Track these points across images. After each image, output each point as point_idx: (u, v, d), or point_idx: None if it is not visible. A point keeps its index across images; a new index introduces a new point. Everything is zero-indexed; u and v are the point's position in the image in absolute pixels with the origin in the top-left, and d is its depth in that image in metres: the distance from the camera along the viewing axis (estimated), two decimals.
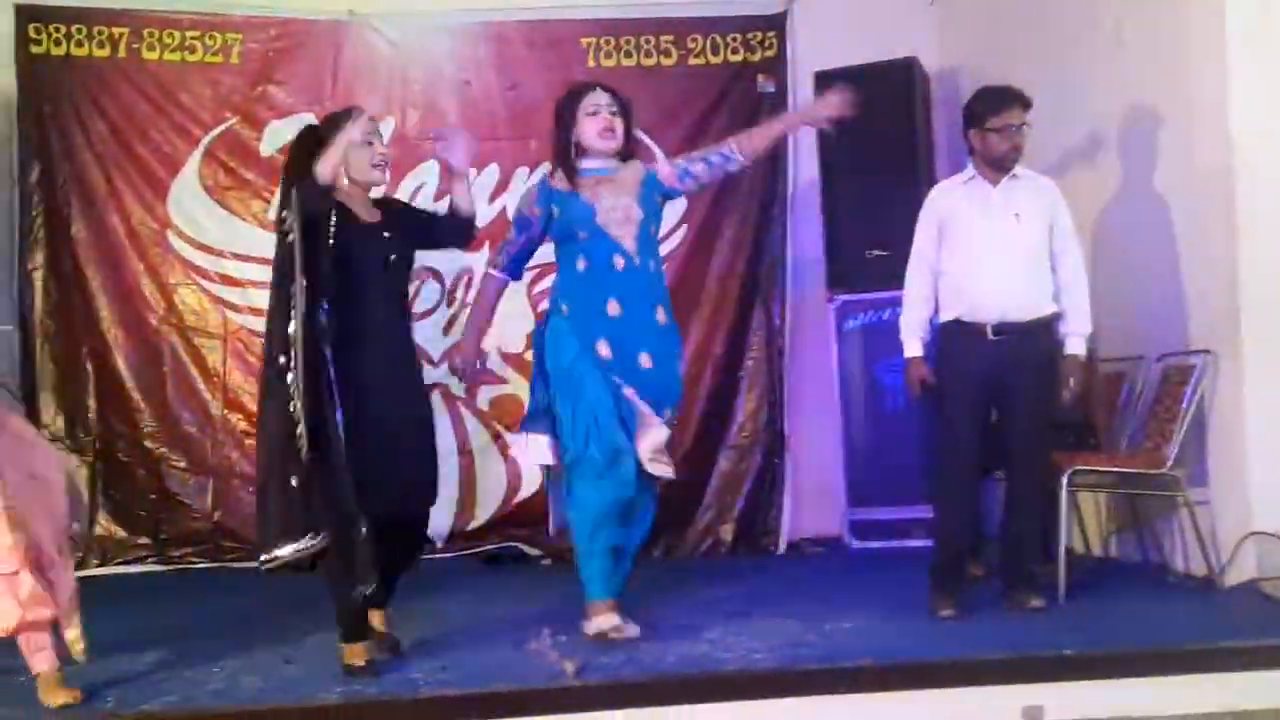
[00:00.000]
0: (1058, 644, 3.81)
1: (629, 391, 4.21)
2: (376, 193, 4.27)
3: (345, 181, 4.04)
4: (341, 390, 3.79)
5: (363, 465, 3.76)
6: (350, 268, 3.91)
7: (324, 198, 3.86)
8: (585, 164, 4.37)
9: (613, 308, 4.24)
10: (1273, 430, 4.65)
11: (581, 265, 4.29)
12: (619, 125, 4.35)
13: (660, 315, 4.34)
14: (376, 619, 4.11)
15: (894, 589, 5.02)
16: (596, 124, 4.32)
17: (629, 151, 4.44)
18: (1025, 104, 4.55)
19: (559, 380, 4.25)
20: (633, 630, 4.16)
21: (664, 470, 4.32)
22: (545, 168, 6.53)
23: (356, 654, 3.85)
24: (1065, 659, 3.69)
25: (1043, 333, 4.51)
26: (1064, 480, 4.70)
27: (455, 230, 4.33)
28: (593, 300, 4.26)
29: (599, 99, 4.34)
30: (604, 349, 4.22)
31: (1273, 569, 4.57)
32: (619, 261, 4.25)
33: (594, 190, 4.32)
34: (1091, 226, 5.53)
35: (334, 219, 3.89)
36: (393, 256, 4.05)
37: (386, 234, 4.07)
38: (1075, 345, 4.57)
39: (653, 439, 4.25)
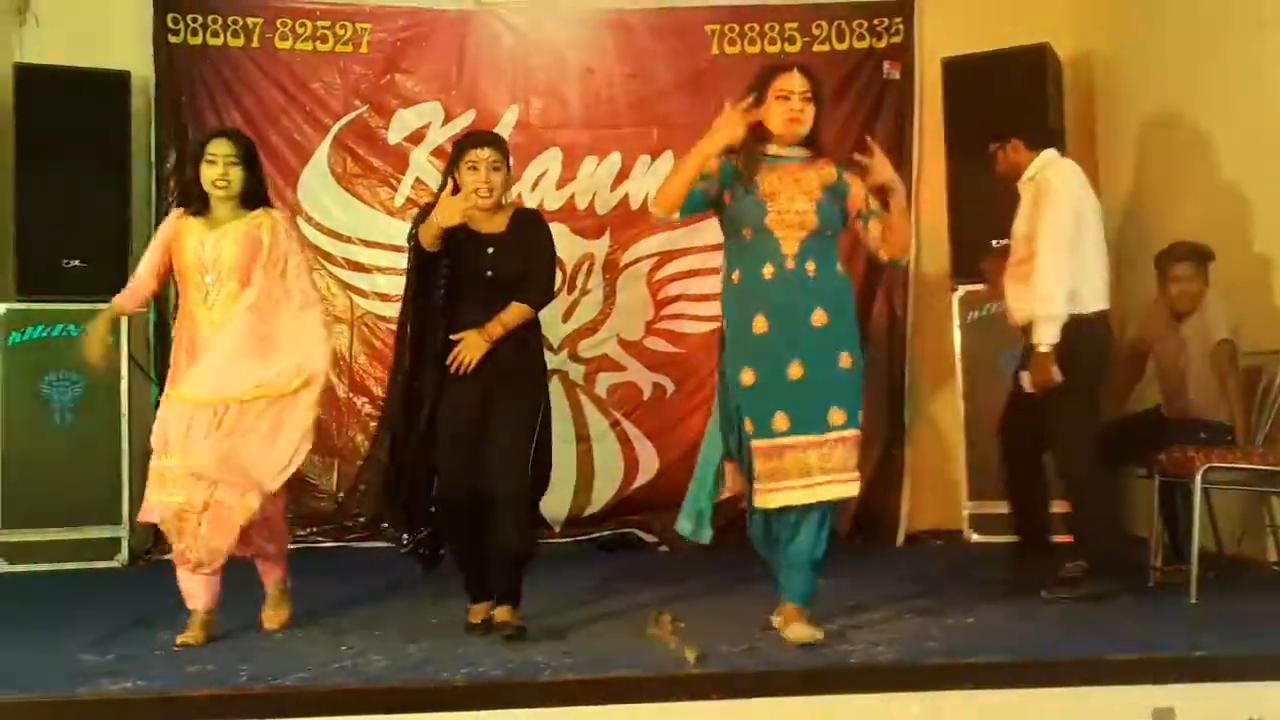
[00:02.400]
0: (1189, 644, 3.72)
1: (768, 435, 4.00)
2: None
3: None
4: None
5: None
6: (459, 277, 4.18)
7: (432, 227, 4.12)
8: (770, 149, 4.08)
9: (759, 325, 3.99)
10: None
11: (736, 276, 4.07)
12: (809, 113, 4.04)
13: (818, 317, 4.00)
14: (500, 612, 4.24)
15: (1015, 584, 4.94)
16: (784, 110, 4.01)
17: (816, 144, 4.12)
18: None
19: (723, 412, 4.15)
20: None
21: (836, 491, 4.02)
22: (667, 156, 6.64)
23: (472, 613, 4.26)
24: (1197, 660, 3.60)
25: None
26: (1198, 479, 4.57)
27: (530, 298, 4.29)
28: (744, 316, 4.03)
29: (792, 83, 4.02)
30: (747, 376, 4.00)
31: None
32: (768, 270, 3.98)
33: (771, 185, 4.02)
34: (1233, 216, 5.38)
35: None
36: (490, 273, 4.18)
37: (492, 249, 4.19)
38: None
39: (806, 462, 3.98)
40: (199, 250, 4.26)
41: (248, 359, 4.17)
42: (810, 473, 3.97)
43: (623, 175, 6.75)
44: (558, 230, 6.58)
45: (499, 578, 4.29)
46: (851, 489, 4.04)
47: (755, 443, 3.97)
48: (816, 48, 6.79)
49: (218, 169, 4.28)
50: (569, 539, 6.50)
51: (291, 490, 6.37)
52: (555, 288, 4.46)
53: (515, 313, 4.20)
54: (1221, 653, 3.66)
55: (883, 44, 6.78)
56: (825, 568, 4.14)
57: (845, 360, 4.03)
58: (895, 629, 4.14)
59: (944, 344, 6.56)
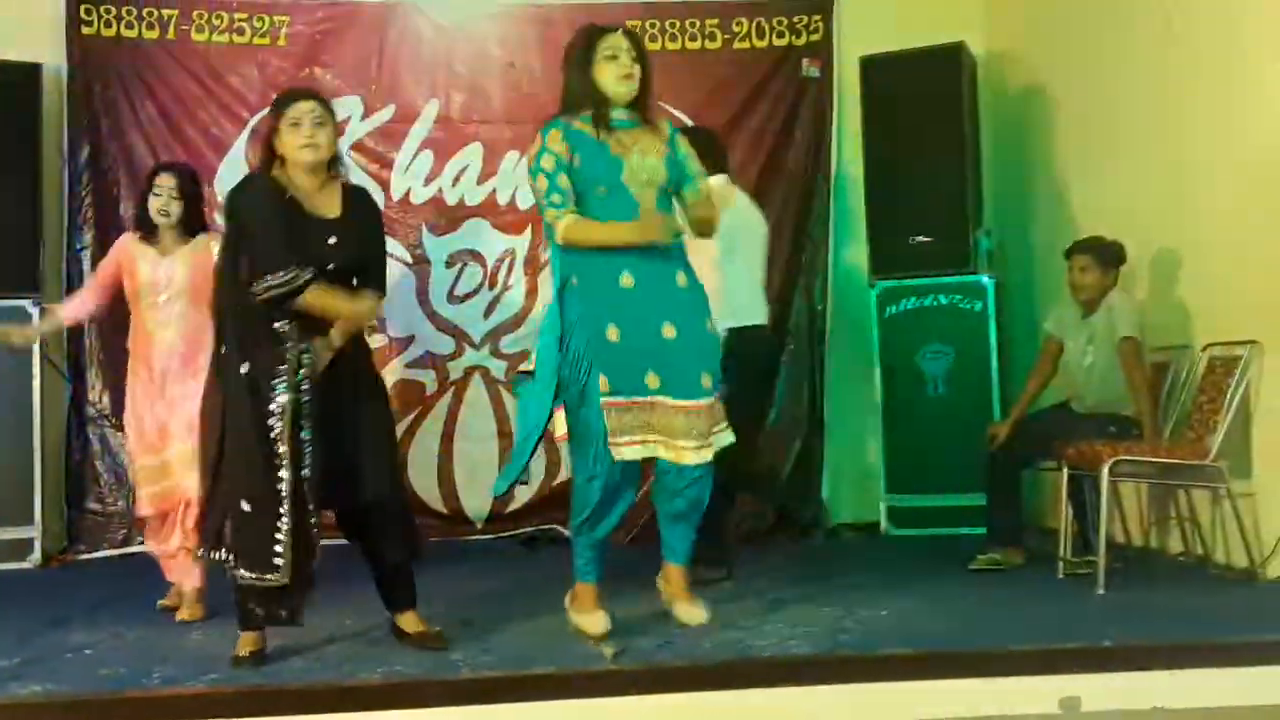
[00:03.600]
0: (1096, 634, 3.79)
1: (651, 384, 3.97)
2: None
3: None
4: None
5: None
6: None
7: (270, 195, 3.83)
8: (613, 115, 4.02)
9: (625, 279, 3.94)
10: None
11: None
12: (638, 73, 4.00)
13: (681, 279, 4.04)
14: (407, 622, 4.05)
15: (931, 576, 5.04)
16: (616, 69, 3.97)
17: (649, 108, 4.11)
18: None
19: (571, 384, 3.96)
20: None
21: (706, 455, 4.01)
22: None
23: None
24: (1103, 650, 3.67)
25: None
26: (1104, 472, 4.67)
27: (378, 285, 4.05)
28: (605, 272, 3.94)
29: (619, 42, 3.99)
30: (613, 333, 3.93)
31: None
32: None
33: (621, 144, 3.99)
34: (1141, 214, 5.49)
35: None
36: (332, 265, 3.85)
37: (333, 239, 3.87)
38: None
39: (687, 426, 3.97)
40: (152, 272, 4.69)
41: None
42: (675, 435, 3.98)
43: None
44: (479, 225, 6.71)
45: (395, 584, 4.08)
46: (708, 454, 4.03)
47: (616, 399, 3.91)
48: (737, 44, 6.84)
49: (161, 200, 4.71)
50: (491, 535, 6.50)
51: None
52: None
53: (367, 307, 3.96)
54: (1128, 643, 3.72)
55: (802, 41, 6.84)
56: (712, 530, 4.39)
57: (709, 324, 4.11)
58: (811, 622, 4.19)
59: (862, 338, 6.64)
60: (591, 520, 4.04)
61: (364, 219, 4.02)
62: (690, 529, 4.18)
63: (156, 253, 4.72)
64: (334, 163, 3.99)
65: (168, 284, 4.68)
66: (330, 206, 3.93)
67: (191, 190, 4.80)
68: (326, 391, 3.82)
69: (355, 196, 4.05)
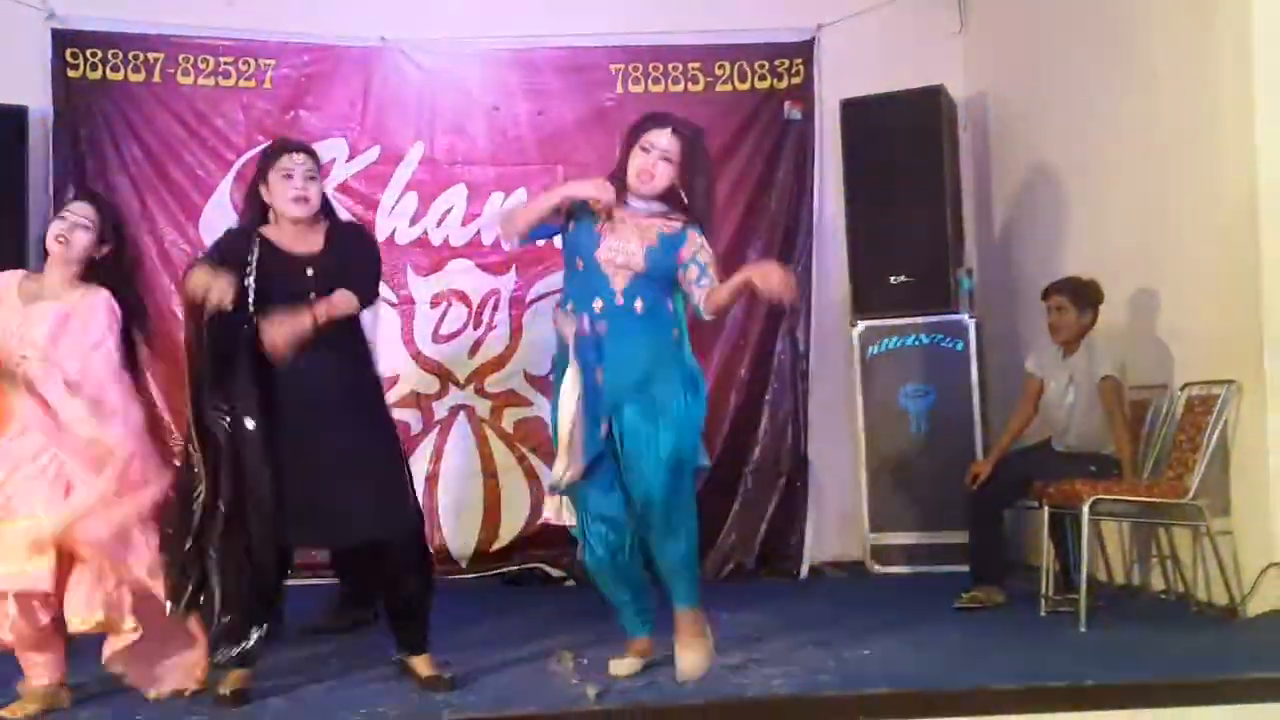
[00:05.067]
0: (1078, 673, 3.81)
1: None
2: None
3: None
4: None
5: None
6: (271, 300, 3.77)
7: (243, 235, 3.84)
8: (630, 199, 4.08)
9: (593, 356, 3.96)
10: None
11: (570, 307, 4.05)
12: (663, 172, 4.01)
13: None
14: (420, 665, 4.03)
15: (914, 615, 5.06)
16: (642, 161, 4.02)
17: (677, 202, 4.07)
18: None
19: None
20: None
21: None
22: None
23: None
24: (1085, 689, 3.69)
25: None
26: (1085, 510, 4.71)
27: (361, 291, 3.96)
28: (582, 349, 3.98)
29: (657, 139, 4.00)
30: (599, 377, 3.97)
31: None
32: (598, 304, 3.98)
33: (611, 223, 4.03)
34: (1120, 256, 5.55)
35: (255, 255, 3.81)
36: (314, 294, 3.81)
37: (311, 270, 3.86)
38: None
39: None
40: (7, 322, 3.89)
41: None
42: None
43: None
44: (463, 265, 6.74)
45: (405, 628, 4.06)
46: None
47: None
48: (719, 87, 6.89)
49: (64, 224, 3.96)
50: (475, 574, 6.50)
51: None
52: (378, 294, 4.20)
53: (342, 299, 3.82)
54: (1109, 681, 3.74)
55: (784, 85, 6.90)
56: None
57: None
58: (793, 661, 4.20)
59: (844, 378, 6.68)
60: None
61: (347, 248, 4.00)
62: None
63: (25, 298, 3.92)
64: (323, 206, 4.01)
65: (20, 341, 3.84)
66: (311, 244, 3.94)
67: (107, 227, 4.00)
68: (304, 420, 3.78)
69: (340, 230, 4.06)
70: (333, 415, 3.84)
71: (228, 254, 3.85)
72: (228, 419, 3.76)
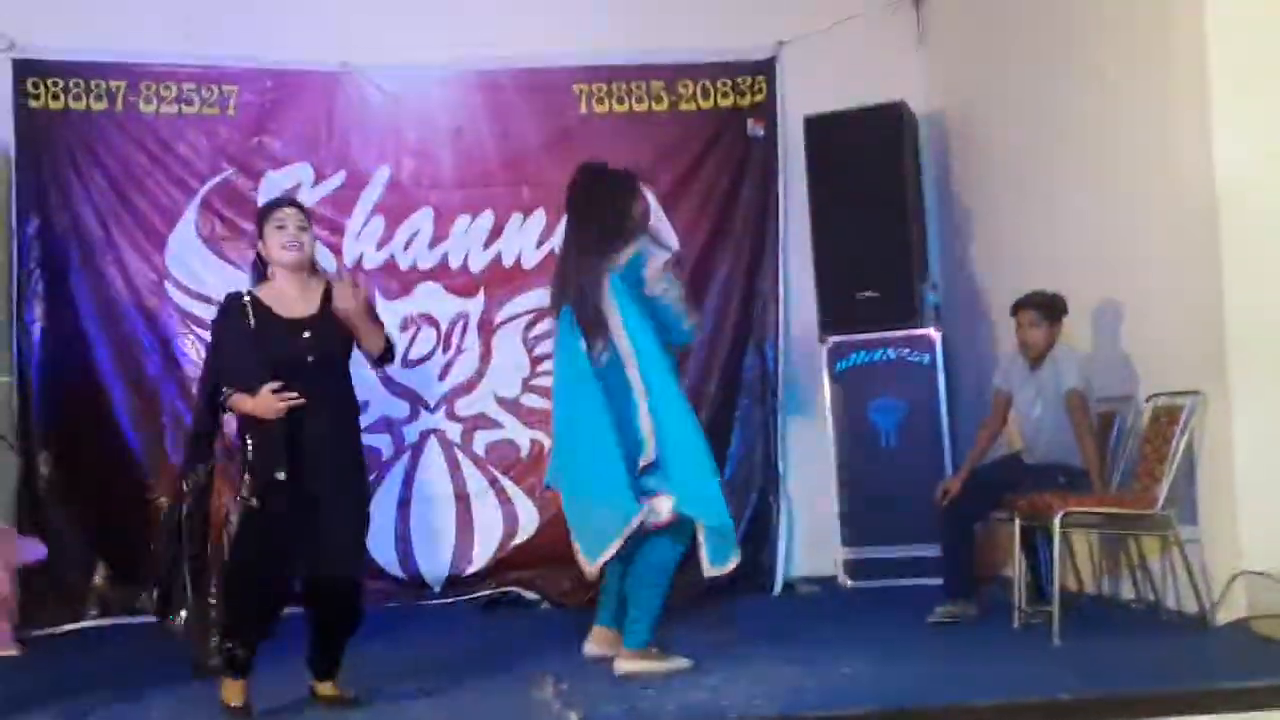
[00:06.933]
0: (1053, 686, 3.84)
1: None
2: None
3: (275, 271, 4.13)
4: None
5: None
6: (269, 363, 3.96)
7: (236, 311, 4.04)
8: None
9: None
10: (1261, 469, 4.70)
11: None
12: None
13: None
14: (327, 689, 4.16)
15: (890, 630, 5.10)
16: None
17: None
18: None
19: None
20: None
21: None
22: (539, 214, 6.74)
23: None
24: (1060, 702, 3.72)
25: None
26: (1056, 522, 4.76)
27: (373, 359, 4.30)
28: None
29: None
30: None
31: (1263, 607, 4.60)
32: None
33: None
34: (1082, 267, 5.61)
35: (252, 318, 4.00)
36: (311, 357, 4.00)
37: (308, 334, 4.03)
38: None
39: None
40: None
41: None
42: None
43: (495, 233, 6.79)
44: (432, 289, 6.74)
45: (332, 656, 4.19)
46: None
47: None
48: (683, 106, 6.94)
49: None
50: (449, 599, 6.49)
51: None
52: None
53: (379, 330, 4.21)
54: (1084, 694, 3.77)
55: (746, 102, 6.95)
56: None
57: None
58: (773, 680, 4.22)
59: (814, 393, 6.72)
60: None
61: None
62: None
63: None
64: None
65: None
66: (308, 306, 4.08)
67: None
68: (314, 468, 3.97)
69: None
70: (330, 456, 4.04)
71: (231, 339, 4.06)
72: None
